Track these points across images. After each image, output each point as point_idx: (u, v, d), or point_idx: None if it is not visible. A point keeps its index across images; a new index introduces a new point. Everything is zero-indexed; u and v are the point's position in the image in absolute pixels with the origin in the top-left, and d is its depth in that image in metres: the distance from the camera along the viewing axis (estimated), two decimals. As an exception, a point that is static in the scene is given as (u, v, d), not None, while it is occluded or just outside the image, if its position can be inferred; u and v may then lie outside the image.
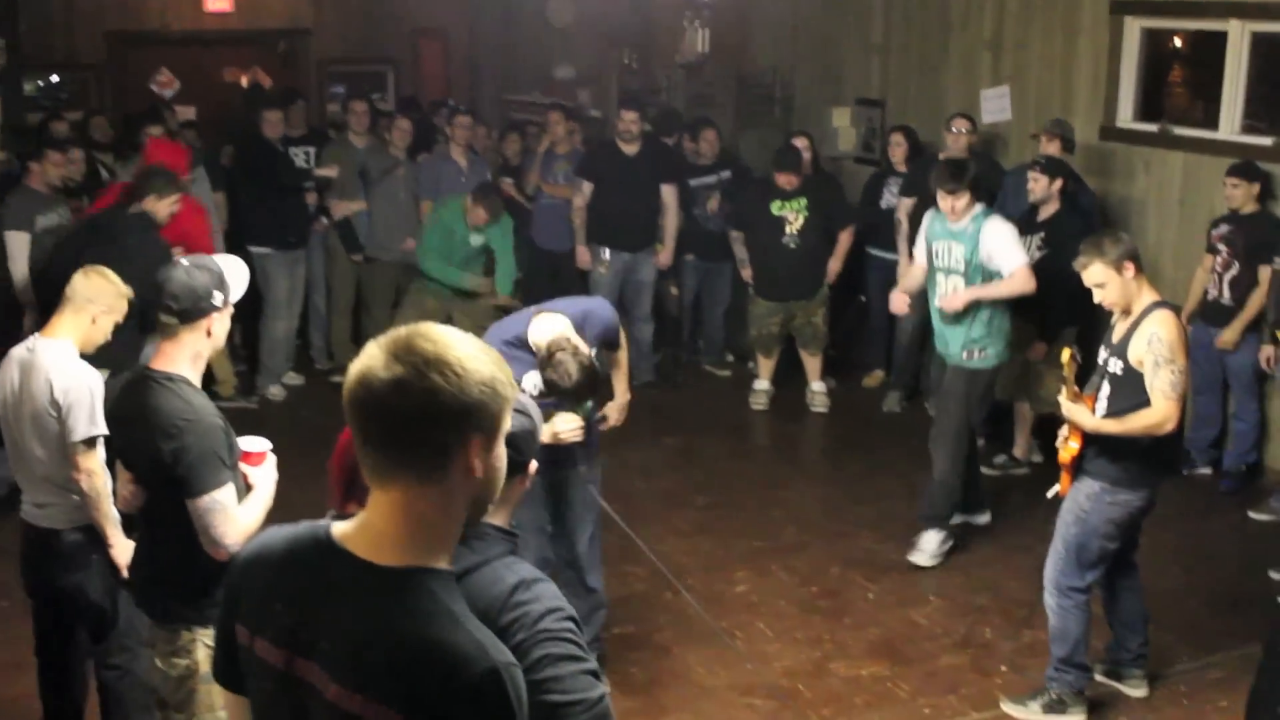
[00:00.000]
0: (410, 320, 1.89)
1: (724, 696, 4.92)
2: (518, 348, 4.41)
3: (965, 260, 5.94)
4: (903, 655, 5.24)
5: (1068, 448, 4.60)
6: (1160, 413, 4.36)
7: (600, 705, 2.13)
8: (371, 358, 1.76)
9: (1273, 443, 6.98)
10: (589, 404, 4.57)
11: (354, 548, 1.80)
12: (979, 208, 5.98)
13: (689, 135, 9.08)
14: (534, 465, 2.43)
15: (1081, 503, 4.57)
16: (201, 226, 7.14)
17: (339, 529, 1.84)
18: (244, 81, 12.41)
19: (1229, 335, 6.74)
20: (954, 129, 7.74)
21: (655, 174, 8.48)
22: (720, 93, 10.38)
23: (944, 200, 5.94)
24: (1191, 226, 7.23)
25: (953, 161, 6.35)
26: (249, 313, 7.27)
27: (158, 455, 3.26)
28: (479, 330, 3.44)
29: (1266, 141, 6.99)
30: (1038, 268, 6.01)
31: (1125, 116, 7.80)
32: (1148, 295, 4.51)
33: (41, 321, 4.38)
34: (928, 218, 6.22)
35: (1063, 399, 4.57)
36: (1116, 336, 4.55)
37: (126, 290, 4.10)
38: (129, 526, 3.85)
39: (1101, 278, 4.49)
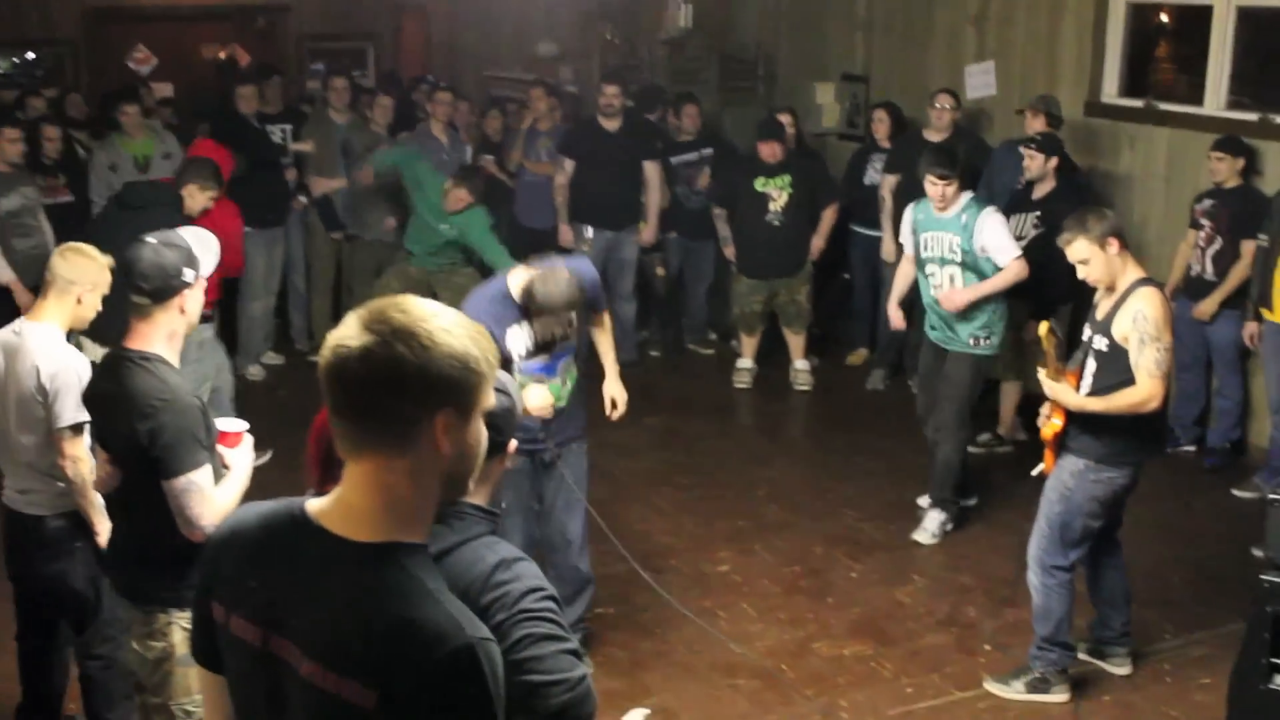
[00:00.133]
0: (393, 291, 1.86)
1: (707, 677, 4.90)
2: (501, 302, 4.44)
3: (961, 250, 5.90)
4: (886, 634, 5.23)
5: (1050, 425, 4.58)
6: (1145, 390, 4.35)
7: (582, 685, 2.13)
8: (347, 326, 1.77)
9: (1256, 420, 6.98)
10: (563, 384, 4.58)
11: (328, 524, 1.79)
12: (966, 196, 5.95)
13: (671, 111, 9.03)
14: (514, 445, 2.40)
15: (1065, 480, 4.56)
16: (236, 232, 6.80)
17: (314, 505, 1.83)
18: (221, 56, 12.28)
19: (1206, 306, 6.73)
20: (938, 105, 7.70)
21: (637, 151, 8.42)
22: (703, 68, 10.32)
23: (933, 187, 5.88)
24: (1177, 203, 7.20)
25: (942, 147, 6.30)
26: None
27: (134, 435, 3.22)
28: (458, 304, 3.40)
29: (1252, 117, 6.97)
30: (1034, 246, 5.98)
31: (1110, 92, 7.77)
32: (1133, 272, 4.49)
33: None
34: (910, 211, 6.16)
35: (1044, 376, 4.55)
36: (1101, 313, 4.53)
37: (107, 260, 4.01)
38: (110, 511, 3.81)
39: (1085, 254, 4.47)
